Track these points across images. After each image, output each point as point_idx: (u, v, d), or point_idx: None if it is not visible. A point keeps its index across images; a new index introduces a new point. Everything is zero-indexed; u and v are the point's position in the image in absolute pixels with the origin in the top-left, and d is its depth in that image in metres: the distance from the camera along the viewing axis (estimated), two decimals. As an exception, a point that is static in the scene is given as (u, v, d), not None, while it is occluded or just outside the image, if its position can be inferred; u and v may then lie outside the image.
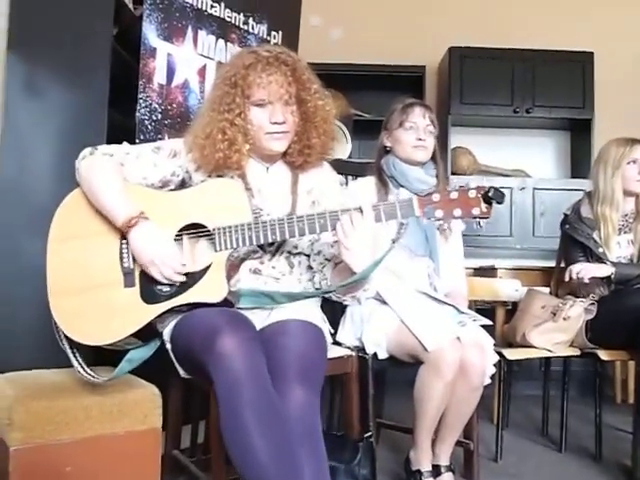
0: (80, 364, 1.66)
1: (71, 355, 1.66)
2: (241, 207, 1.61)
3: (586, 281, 2.50)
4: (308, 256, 1.81)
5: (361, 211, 1.52)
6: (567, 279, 2.58)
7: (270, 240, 1.58)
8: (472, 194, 1.47)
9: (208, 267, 1.59)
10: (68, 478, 1.58)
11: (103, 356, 1.76)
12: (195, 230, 1.64)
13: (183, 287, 1.59)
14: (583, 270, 2.51)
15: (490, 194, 1.45)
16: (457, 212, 1.48)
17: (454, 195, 1.48)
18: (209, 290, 1.58)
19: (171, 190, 1.74)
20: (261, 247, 1.71)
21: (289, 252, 1.77)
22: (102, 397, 1.66)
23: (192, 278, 1.60)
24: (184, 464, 2.07)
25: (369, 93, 4.24)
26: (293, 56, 1.69)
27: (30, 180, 2.33)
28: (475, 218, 1.48)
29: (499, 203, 1.47)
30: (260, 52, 1.66)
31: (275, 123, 1.66)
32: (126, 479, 1.68)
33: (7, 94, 2.37)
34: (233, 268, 1.69)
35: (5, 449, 1.53)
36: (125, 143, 1.80)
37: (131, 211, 1.59)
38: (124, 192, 1.64)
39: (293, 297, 1.68)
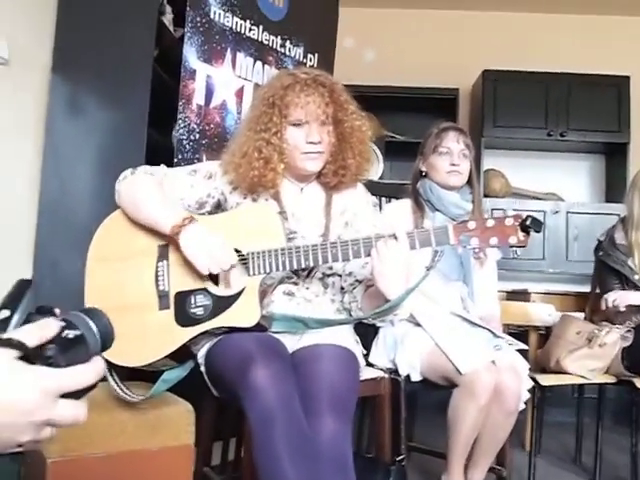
0: (116, 382, 1.66)
1: (107, 374, 1.67)
2: (275, 232, 1.61)
3: (622, 309, 2.47)
4: (340, 276, 1.81)
5: (395, 238, 1.52)
6: (603, 307, 2.55)
7: (303, 266, 1.58)
8: (509, 222, 1.45)
9: (241, 291, 1.60)
10: (102, 492, 1.59)
11: (138, 372, 1.77)
12: None
13: (217, 310, 1.60)
14: (619, 298, 2.48)
15: (528, 223, 1.43)
16: (493, 240, 1.46)
17: (490, 223, 1.46)
18: (242, 315, 1.58)
19: (207, 213, 1.76)
20: (295, 272, 1.71)
21: (323, 273, 1.77)
22: (137, 413, 1.67)
23: (226, 302, 1.60)
24: (215, 481, 2.08)
25: (402, 115, 4.26)
26: (330, 78, 1.71)
27: (71, 200, 2.38)
28: (512, 247, 1.46)
29: (537, 232, 1.44)
30: (298, 74, 1.69)
31: (311, 143, 1.67)
32: (158, 494, 1.70)
33: (50, 114, 2.43)
34: (267, 291, 1.70)
35: (43, 461, 1.55)
36: (162, 165, 1.83)
37: (180, 215, 1.60)
38: (169, 202, 1.66)
39: (326, 323, 1.68)
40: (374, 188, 3.66)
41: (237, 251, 1.62)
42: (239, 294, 1.59)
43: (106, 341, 0.71)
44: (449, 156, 2.22)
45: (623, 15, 4.42)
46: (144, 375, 1.76)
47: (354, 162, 1.74)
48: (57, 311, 0.71)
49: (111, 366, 1.67)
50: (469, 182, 2.27)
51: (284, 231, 1.62)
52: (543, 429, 3.06)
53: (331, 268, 1.77)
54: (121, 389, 1.65)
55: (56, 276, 2.26)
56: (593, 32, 4.43)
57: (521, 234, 1.45)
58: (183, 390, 1.81)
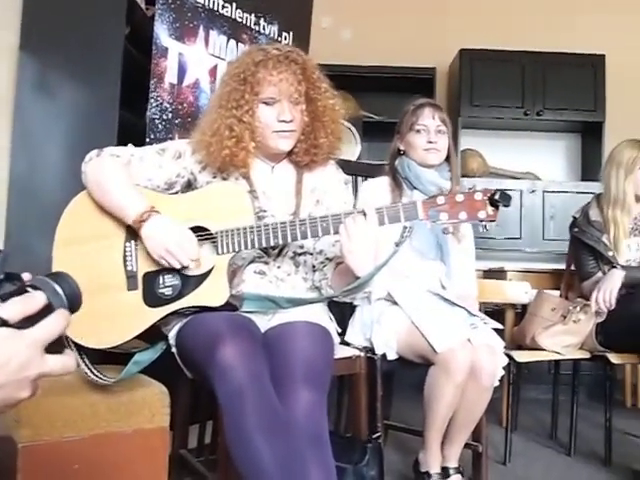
0: (87, 366, 1.65)
1: (78, 357, 1.65)
2: (244, 210, 1.60)
3: (613, 303, 2.47)
4: (311, 254, 1.80)
5: (364, 214, 1.50)
6: (594, 309, 2.52)
7: (272, 244, 1.57)
8: (478, 197, 1.44)
9: (210, 270, 1.58)
10: (75, 475, 1.57)
11: (110, 355, 1.75)
12: (199, 233, 1.63)
13: (185, 290, 1.59)
14: (605, 294, 2.48)
15: (497, 197, 1.43)
16: (462, 215, 1.45)
17: (460, 198, 1.45)
18: (211, 294, 1.57)
19: (176, 192, 1.74)
20: (265, 250, 1.70)
21: (294, 252, 1.76)
22: (111, 395, 1.65)
23: (195, 281, 1.59)
24: (191, 463, 2.07)
25: (379, 95, 4.23)
26: (303, 55, 1.69)
27: (40, 178, 2.35)
28: (482, 221, 1.46)
29: (506, 206, 1.43)
30: (270, 50, 1.66)
31: (283, 121, 1.65)
32: (133, 477, 1.68)
33: (18, 93, 2.38)
34: (238, 271, 1.68)
35: (14, 446, 1.53)
36: (130, 145, 1.80)
37: (143, 206, 1.59)
38: (133, 190, 1.64)
39: (297, 302, 1.68)
40: (351, 168, 3.66)
41: (206, 230, 1.60)
42: (208, 273, 1.58)
43: (73, 304, 0.76)
44: (426, 133, 2.21)
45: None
46: (116, 358, 1.74)
47: (326, 141, 1.73)
48: (25, 276, 0.74)
49: (82, 349, 1.66)
50: (447, 159, 2.26)
51: (253, 210, 1.60)
52: (520, 406, 3.10)
53: (302, 247, 1.75)
54: (92, 372, 1.63)
55: (26, 254, 2.23)
56: (569, 11, 4.42)
57: (490, 209, 1.44)
58: (158, 372, 1.80)
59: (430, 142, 2.20)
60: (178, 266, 1.57)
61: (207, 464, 2.01)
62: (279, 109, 1.65)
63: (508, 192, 1.45)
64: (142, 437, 1.69)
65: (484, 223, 1.46)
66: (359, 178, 3.19)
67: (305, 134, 1.72)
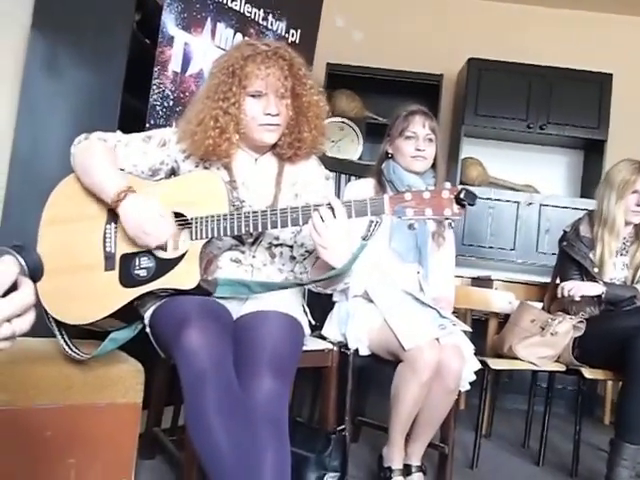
0: (65, 341, 1.70)
1: (57, 332, 1.71)
2: (219, 198, 1.64)
3: (577, 299, 2.53)
4: (291, 247, 1.84)
5: (332, 208, 1.54)
6: (559, 295, 2.61)
7: (244, 231, 1.61)
8: (445, 195, 1.47)
9: (184, 255, 1.63)
10: (47, 442, 1.63)
11: (91, 331, 1.81)
12: (176, 219, 1.67)
13: (159, 272, 1.63)
14: (575, 288, 2.54)
15: (462, 196, 1.45)
16: (428, 212, 1.48)
17: (427, 195, 1.48)
18: (182, 277, 1.61)
19: (160, 179, 1.79)
20: (240, 239, 1.75)
21: (270, 243, 1.80)
22: (86, 369, 1.70)
23: (168, 264, 1.64)
24: (163, 442, 2.13)
25: (385, 97, 4.25)
26: (290, 52, 1.73)
27: (42, 155, 2.40)
28: (447, 219, 1.49)
29: (471, 205, 1.46)
30: (258, 45, 1.71)
31: (269, 115, 1.70)
32: (104, 449, 1.72)
33: (27, 70, 2.44)
34: (214, 259, 1.73)
35: (-12, 410, 1.59)
36: (118, 131, 1.86)
37: (120, 185, 1.64)
38: (115, 170, 1.70)
39: (268, 287, 1.72)
40: (352, 168, 3.72)
41: (182, 215, 1.65)
42: (181, 257, 1.63)
43: (35, 276, 0.79)
44: (415, 141, 2.26)
45: (610, 13, 4.45)
46: (96, 334, 1.80)
47: (310, 136, 1.78)
48: None
49: (61, 325, 1.72)
50: (433, 166, 2.31)
51: (228, 198, 1.64)
52: (500, 414, 3.16)
53: (277, 238, 1.80)
54: (69, 347, 1.69)
55: (25, 229, 2.28)
56: (580, 28, 4.46)
57: (456, 207, 1.47)
58: (137, 351, 1.85)
59: (418, 150, 2.25)
60: (154, 244, 1.61)
61: (179, 444, 2.06)
62: (265, 103, 1.70)
63: (474, 191, 1.47)
64: (114, 411, 1.74)
65: (450, 221, 1.48)
66: (352, 177, 3.24)
67: (289, 128, 1.77)
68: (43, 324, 1.74)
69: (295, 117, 1.76)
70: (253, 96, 1.70)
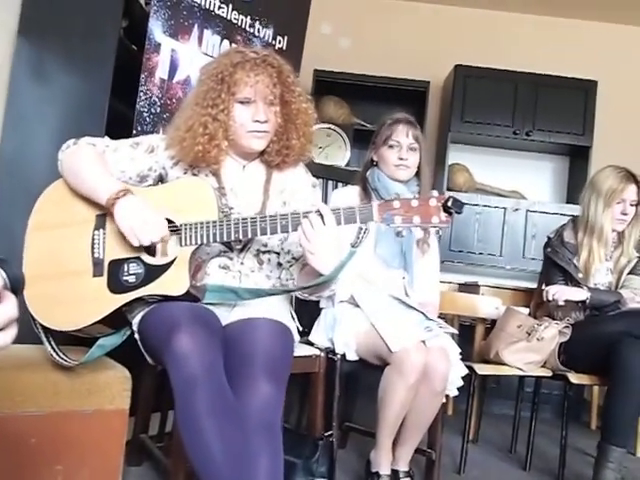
0: (53, 347, 1.70)
1: (44, 338, 1.71)
2: (208, 205, 1.64)
3: (561, 303, 2.55)
4: (278, 254, 1.85)
5: (321, 215, 1.54)
6: (544, 299, 2.63)
7: (233, 238, 1.61)
8: (433, 203, 1.48)
9: (173, 261, 1.63)
10: (32, 449, 1.62)
11: (78, 337, 1.80)
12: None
13: (148, 279, 1.63)
14: (559, 292, 2.56)
15: (449, 204, 1.46)
16: (416, 220, 1.49)
17: (414, 203, 1.49)
18: (171, 283, 1.61)
19: (148, 186, 1.78)
20: (229, 245, 1.75)
21: (258, 250, 1.80)
22: (73, 375, 1.70)
23: (157, 271, 1.63)
24: (150, 448, 2.12)
25: (372, 104, 4.28)
26: (279, 59, 1.75)
27: (29, 161, 2.39)
28: (435, 227, 1.51)
29: (458, 213, 1.47)
30: (247, 53, 1.72)
31: (257, 122, 1.71)
32: (91, 456, 1.72)
33: (13, 76, 2.43)
34: (202, 265, 1.73)
35: (-26, 417, 1.59)
36: (106, 137, 1.85)
37: (116, 186, 1.64)
38: (108, 174, 1.69)
39: (256, 293, 1.72)
40: (340, 174, 3.73)
41: (171, 222, 1.65)
42: (170, 264, 1.63)
43: (16, 289, 0.77)
44: (398, 149, 2.28)
45: (595, 20, 4.51)
46: (83, 340, 1.80)
47: (298, 143, 1.79)
48: None
49: (49, 331, 1.71)
50: (418, 174, 2.32)
51: (217, 205, 1.65)
52: (488, 420, 3.17)
53: (266, 245, 1.80)
54: (57, 353, 1.68)
55: (11, 235, 2.27)
56: (565, 35, 4.51)
57: (443, 215, 1.48)
58: (125, 358, 1.84)
59: (401, 159, 2.26)
60: (148, 242, 1.59)
61: (166, 451, 2.06)
62: (254, 109, 1.71)
63: (461, 200, 1.49)
64: (101, 418, 1.73)
65: (437, 228, 1.49)
66: (339, 184, 3.25)
67: (278, 135, 1.78)
68: (30, 330, 1.73)
69: (284, 124, 1.76)
70: (242, 103, 1.71)
